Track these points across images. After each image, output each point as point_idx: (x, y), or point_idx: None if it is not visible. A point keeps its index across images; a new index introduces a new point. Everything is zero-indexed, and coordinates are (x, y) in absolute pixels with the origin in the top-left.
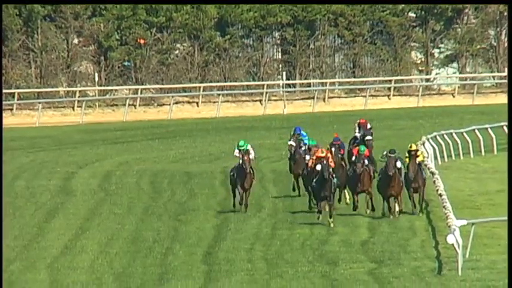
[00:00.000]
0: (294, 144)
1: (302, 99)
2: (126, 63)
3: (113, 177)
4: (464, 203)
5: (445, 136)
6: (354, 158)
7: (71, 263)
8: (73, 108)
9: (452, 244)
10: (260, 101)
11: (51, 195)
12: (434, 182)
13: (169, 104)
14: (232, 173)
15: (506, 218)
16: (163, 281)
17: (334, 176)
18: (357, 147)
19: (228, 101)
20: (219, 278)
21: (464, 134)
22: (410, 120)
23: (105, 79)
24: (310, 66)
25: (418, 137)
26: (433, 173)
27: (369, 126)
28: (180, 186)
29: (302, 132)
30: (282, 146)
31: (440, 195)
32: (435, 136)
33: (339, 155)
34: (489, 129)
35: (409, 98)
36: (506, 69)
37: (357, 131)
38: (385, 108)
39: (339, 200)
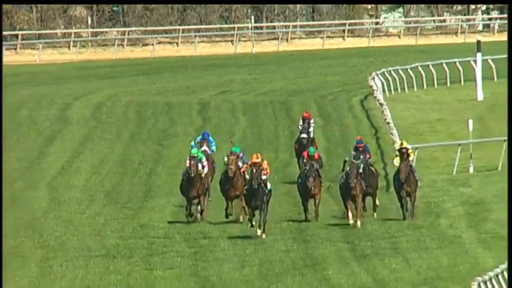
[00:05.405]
0: (208, 150)
1: (268, 39)
2: (115, 8)
3: (103, 107)
4: (409, 130)
5: (392, 72)
6: (305, 161)
7: (67, 182)
8: (69, 47)
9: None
10: (232, 41)
11: (50, 123)
12: (382, 111)
13: (153, 44)
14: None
15: (445, 143)
16: (148, 197)
17: (266, 184)
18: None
19: (203, 42)
20: None
21: (409, 70)
22: (362, 58)
23: (97, 22)
24: (275, 11)
25: (368, 72)
26: (381, 104)
27: (312, 120)
28: (162, 116)
29: (210, 137)
30: (251, 81)
31: (388, 123)
32: (383, 72)
33: (367, 160)
34: (430, 66)
35: (361, 39)
36: (445, 13)
37: (300, 124)
38: (340, 48)
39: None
